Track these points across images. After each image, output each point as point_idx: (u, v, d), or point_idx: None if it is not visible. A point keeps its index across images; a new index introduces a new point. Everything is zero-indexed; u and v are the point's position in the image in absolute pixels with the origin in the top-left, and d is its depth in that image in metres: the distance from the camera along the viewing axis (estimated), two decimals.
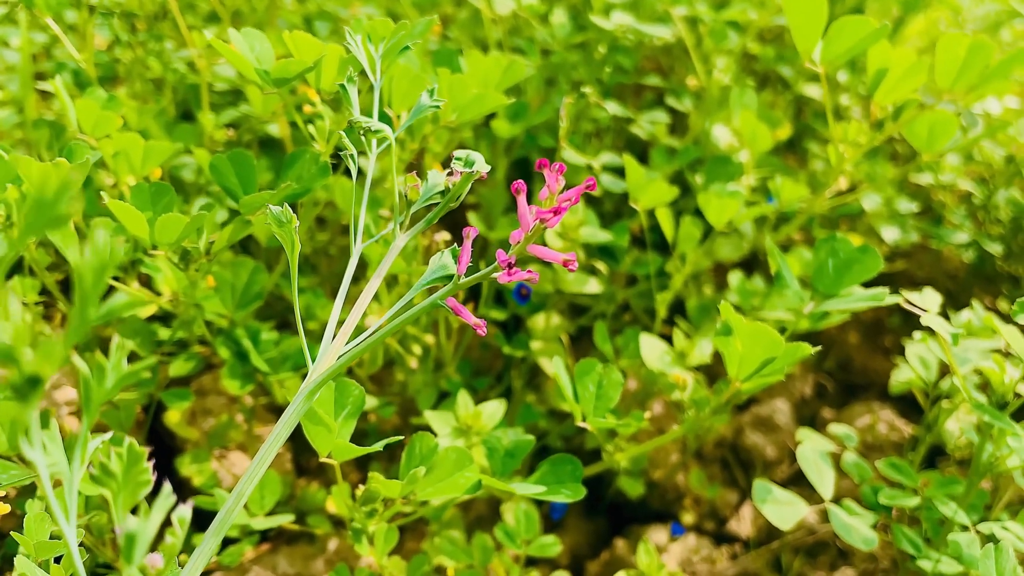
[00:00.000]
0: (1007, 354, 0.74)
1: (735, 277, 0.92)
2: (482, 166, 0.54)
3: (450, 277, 0.54)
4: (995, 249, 1.01)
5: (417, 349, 0.85)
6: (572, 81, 0.99)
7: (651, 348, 0.86)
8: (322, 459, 0.58)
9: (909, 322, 1.18)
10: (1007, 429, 0.65)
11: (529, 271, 0.46)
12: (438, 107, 0.60)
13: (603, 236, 0.86)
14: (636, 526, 0.96)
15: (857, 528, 0.69)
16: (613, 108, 1.00)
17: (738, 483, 1.02)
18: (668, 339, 0.95)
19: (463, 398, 0.76)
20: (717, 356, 0.90)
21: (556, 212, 0.41)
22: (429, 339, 0.86)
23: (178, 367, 0.77)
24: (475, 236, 0.46)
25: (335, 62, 0.64)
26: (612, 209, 1.02)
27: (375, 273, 0.54)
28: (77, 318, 0.29)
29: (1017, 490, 0.83)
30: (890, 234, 1.04)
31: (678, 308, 1.04)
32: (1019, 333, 0.70)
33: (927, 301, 0.69)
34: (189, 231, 0.60)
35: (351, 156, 0.55)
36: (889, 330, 1.18)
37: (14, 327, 0.27)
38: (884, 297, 0.66)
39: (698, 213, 0.94)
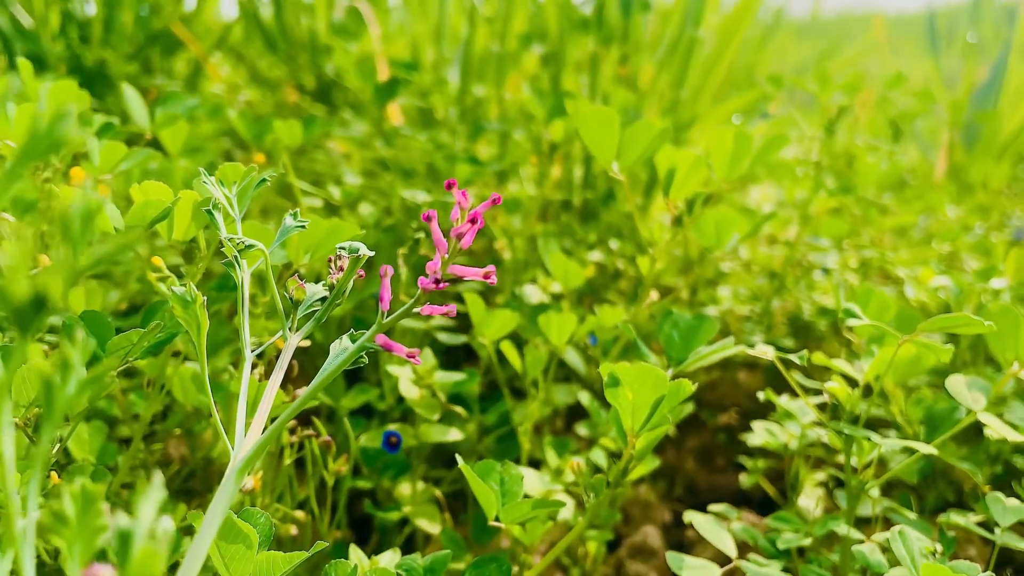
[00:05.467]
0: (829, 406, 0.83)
1: (585, 395, 0.96)
2: (366, 251, 0.57)
3: (352, 360, 0.54)
4: (788, 344, 1.15)
5: (293, 530, 0.80)
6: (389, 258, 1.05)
7: (526, 476, 0.86)
8: None
9: (734, 441, 1.27)
10: (863, 440, 0.72)
11: (447, 305, 0.48)
12: (303, 226, 0.62)
13: (457, 376, 0.88)
14: None
15: (771, 574, 0.71)
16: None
17: None
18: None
19: (355, 552, 0.71)
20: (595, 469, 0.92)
21: (473, 221, 0.45)
22: (300, 515, 0.81)
23: None
24: (391, 273, 0.47)
25: (189, 207, 0.65)
26: (453, 366, 1.04)
27: (277, 367, 0.53)
28: (67, 261, 0.27)
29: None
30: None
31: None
32: (847, 362, 0.79)
33: (765, 350, 0.77)
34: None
35: (233, 261, 0.56)
36: (719, 449, 1.26)
37: (16, 249, 0.25)
38: (731, 346, 0.73)
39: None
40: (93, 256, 0.28)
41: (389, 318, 0.47)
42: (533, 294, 1.13)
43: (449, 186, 0.46)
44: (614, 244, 1.39)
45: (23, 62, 0.95)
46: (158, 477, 0.28)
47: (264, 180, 0.65)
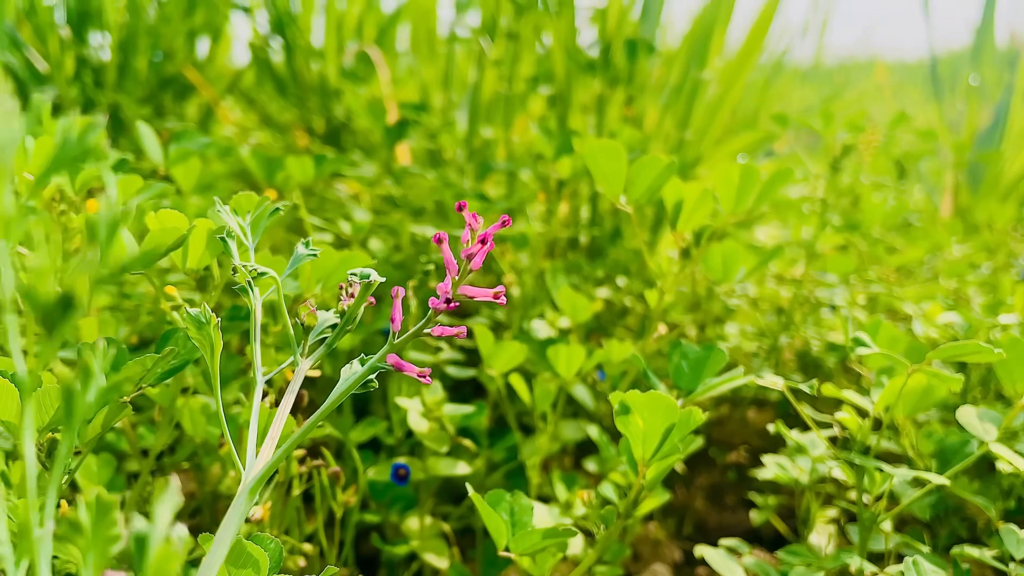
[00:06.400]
0: (839, 441, 0.83)
1: (594, 430, 0.96)
2: (376, 277, 0.57)
3: (364, 384, 0.55)
4: (796, 379, 1.14)
5: (301, 562, 0.79)
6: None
7: (536, 510, 0.86)
8: None
9: (744, 478, 1.26)
10: (875, 471, 0.72)
11: (458, 327, 0.48)
12: (315, 254, 0.63)
13: (466, 409, 0.88)
14: None
15: None
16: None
17: None
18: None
19: None
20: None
21: (483, 242, 0.45)
22: (308, 548, 0.80)
23: None
24: (403, 296, 0.48)
25: (203, 236, 0.65)
26: (461, 401, 1.04)
27: (288, 391, 0.53)
28: (93, 262, 0.28)
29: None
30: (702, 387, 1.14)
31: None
32: (856, 393, 0.79)
33: (774, 380, 0.77)
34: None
35: (246, 286, 0.56)
36: (728, 487, 1.25)
37: (44, 251, 0.26)
38: (740, 376, 0.73)
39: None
40: (118, 263, 0.28)
41: (401, 338, 0.47)
42: (541, 329, 1.13)
43: (460, 208, 0.46)
44: (621, 281, 1.40)
45: (38, 99, 0.97)
46: (176, 482, 0.29)
47: (277, 209, 0.66)
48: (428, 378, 0.47)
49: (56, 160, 0.27)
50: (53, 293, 0.26)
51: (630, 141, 1.13)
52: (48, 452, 0.59)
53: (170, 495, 0.30)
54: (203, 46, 2.15)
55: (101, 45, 1.98)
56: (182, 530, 0.33)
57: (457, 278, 0.47)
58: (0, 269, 0.26)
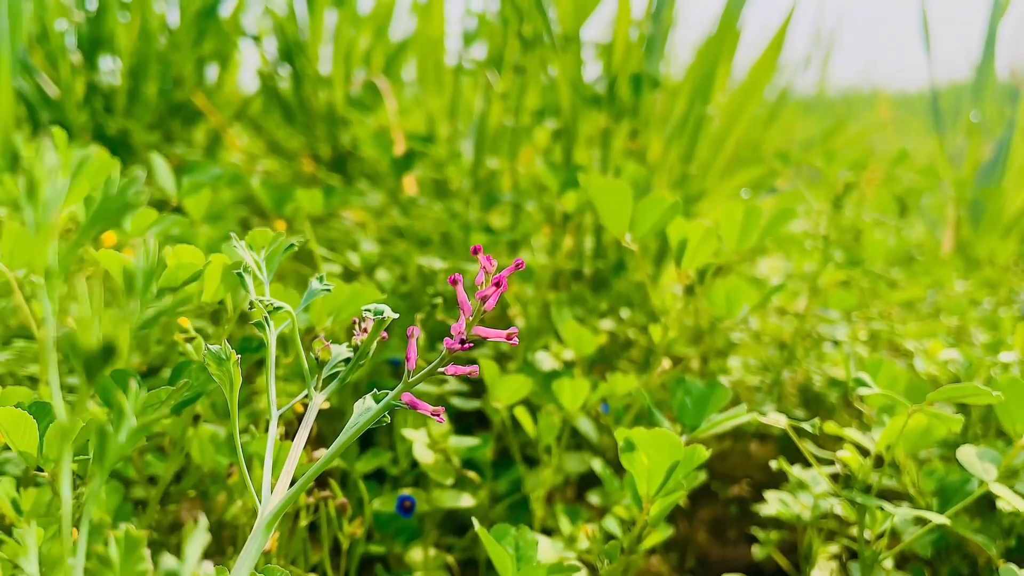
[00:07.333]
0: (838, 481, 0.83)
1: (597, 463, 0.97)
2: (390, 313, 0.59)
3: (377, 419, 0.56)
4: (799, 414, 1.15)
5: None
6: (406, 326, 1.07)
7: (539, 543, 0.86)
8: None
9: (746, 512, 1.26)
10: (876, 510, 0.73)
11: (470, 366, 0.50)
12: (329, 290, 0.64)
13: (471, 441, 0.89)
14: None
15: None
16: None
17: None
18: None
19: None
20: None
21: (497, 284, 0.47)
22: None
23: None
24: (417, 335, 0.49)
25: (218, 271, 0.67)
26: (465, 431, 1.05)
27: (302, 426, 0.54)
28: (132, 313, 0.29)
29: None
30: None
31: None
32: (859, 432, 0.80)
33: (777, 419, 0.78)
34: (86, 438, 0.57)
35: (262, 322, 0.58)
36: (731, 521, 1.26)
37: (85, 303, 0.27)
38: (743, 414, 0.74)
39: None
40: (154, 310, 0.30)
41: (415, 377, 0.48)
42: (546, 361, 1.14)
43: (475, 251, 0.48)
44: (625, 313, 1.41)
45: (57, 131, 0.99)
46: (203, 521, 0.30)
47: (292, 245, 0.67)
48: (441, 416, 0.48)
49: (99, 214, 0.28)
50: (96, 343, 0.27)
51: (635, 177, 1.15)
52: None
53: (199, 534, 0.31)
54: (212, 73, 2.18)
55: (112, 71, 2.01)
56: (208, 568, 0.34)
57: (471, 319, 0.48)
58: (45, 317, 0.27)
